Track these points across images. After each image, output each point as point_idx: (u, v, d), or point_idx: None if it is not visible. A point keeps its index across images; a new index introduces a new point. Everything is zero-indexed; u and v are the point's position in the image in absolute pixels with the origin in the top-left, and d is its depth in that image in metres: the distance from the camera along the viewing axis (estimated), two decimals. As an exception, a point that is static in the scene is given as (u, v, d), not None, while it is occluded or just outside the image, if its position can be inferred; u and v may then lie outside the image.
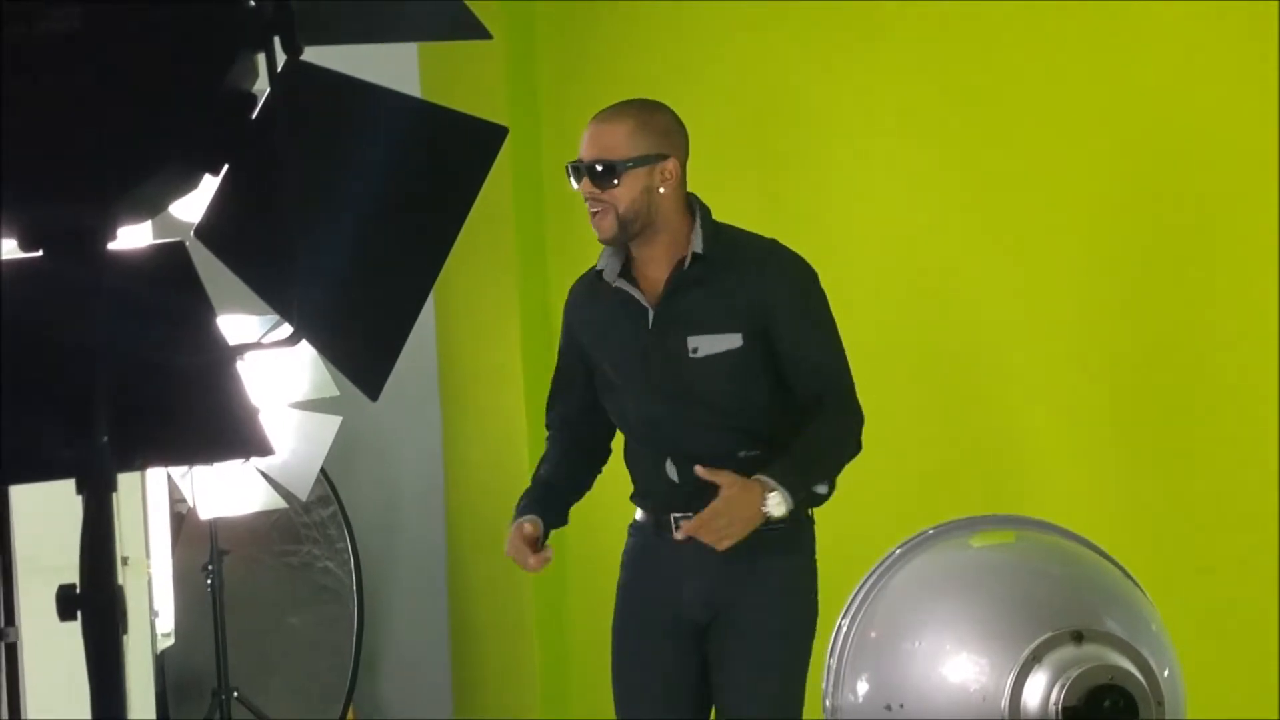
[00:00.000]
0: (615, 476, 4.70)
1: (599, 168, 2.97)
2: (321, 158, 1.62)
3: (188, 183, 1.60)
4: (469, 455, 5.06)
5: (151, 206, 1.60)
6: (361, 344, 1.65)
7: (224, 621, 4.39)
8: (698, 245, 3.02)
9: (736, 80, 4.29)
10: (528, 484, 5.05)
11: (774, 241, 3.10)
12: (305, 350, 3.53)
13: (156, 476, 4.30)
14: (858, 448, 3.03)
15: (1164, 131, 3.31)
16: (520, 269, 4.86)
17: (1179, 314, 3.32)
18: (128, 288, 1.54)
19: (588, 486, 3.34)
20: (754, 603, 3.02)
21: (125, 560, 3.87)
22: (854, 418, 3.03)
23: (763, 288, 2.99)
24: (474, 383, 5.01)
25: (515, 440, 4.78)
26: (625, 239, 3.05)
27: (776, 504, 2.86)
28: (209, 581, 4.41)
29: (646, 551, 3.16)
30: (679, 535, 2.93)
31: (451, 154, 1.67)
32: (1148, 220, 3.37)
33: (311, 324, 1.57)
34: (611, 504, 4.69)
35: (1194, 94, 3.24)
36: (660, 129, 3.02)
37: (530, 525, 3.06)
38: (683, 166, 3.05)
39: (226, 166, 1.60)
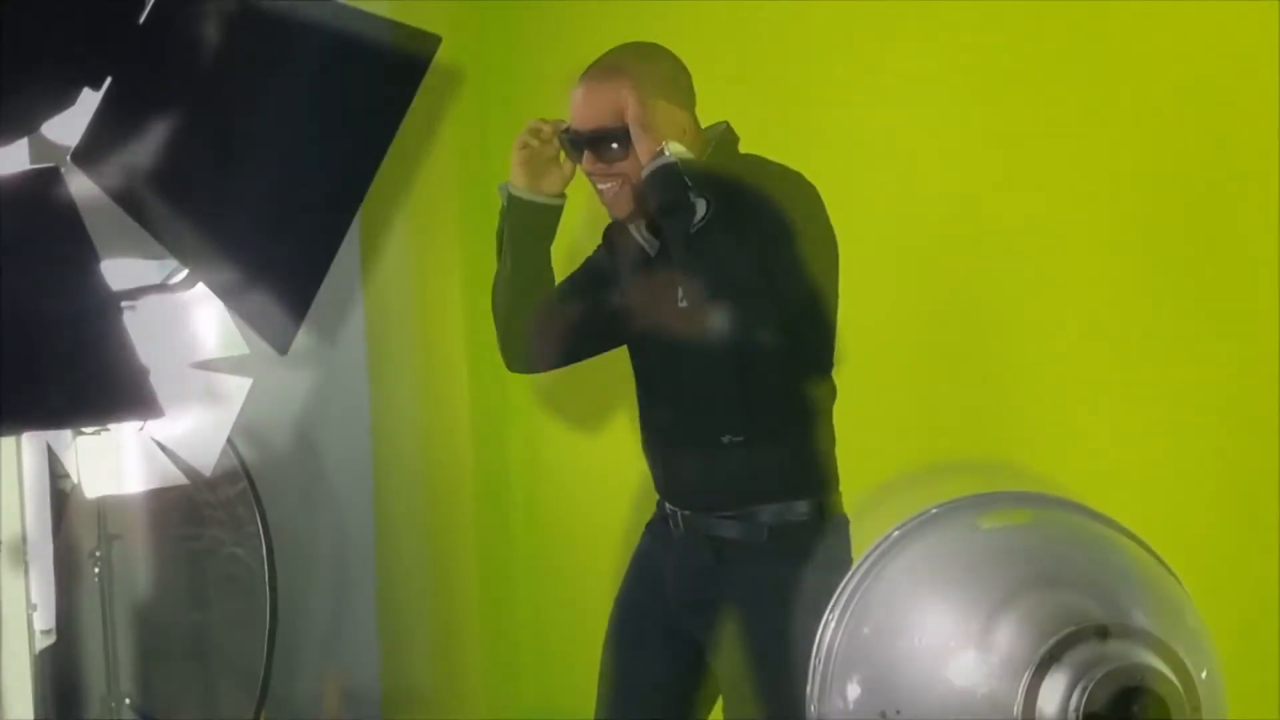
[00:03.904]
0: (572, 461, 4.70)
1: (601, 139, 2.89)
2: (221, 71, 1.60)
3: (63, 97, 1.57)
4: (401, 425, 5.07)
5: (21, 124, 1.58)
6: (269, 291, 1.63)
7: (114, 617, 4.40)
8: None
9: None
10: (468, 455, 5.05)
11: (787, 170, 2.99)
12: (208, 300, 3.51)
13: (34, 447, 4.27)
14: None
15: (1197, 66, 3.33)
16: (461, 217, 4.85)
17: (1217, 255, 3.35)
18: (-7, 221, 1.53)
19: None
20: (749, 608, 3.01)
21: (-1, 544, 3.85)
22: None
23: (763, 221, 2.94)
24: (407, 341, 5.01)
25: (454, 407, 4.78)
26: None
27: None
28: (97, 570, 4.41)
29: (655, 540, 3.18)
30: None
31: (374, 68, 1.65)
32: (1186, 165, 3.39)
33: (210, 266, 1.56)
34: (561, 490, 4.71)
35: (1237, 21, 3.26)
36: (664, 79, 2.93)
37: None
38: (694, 114, 2.97)
39: (109, 79, 1.58)
